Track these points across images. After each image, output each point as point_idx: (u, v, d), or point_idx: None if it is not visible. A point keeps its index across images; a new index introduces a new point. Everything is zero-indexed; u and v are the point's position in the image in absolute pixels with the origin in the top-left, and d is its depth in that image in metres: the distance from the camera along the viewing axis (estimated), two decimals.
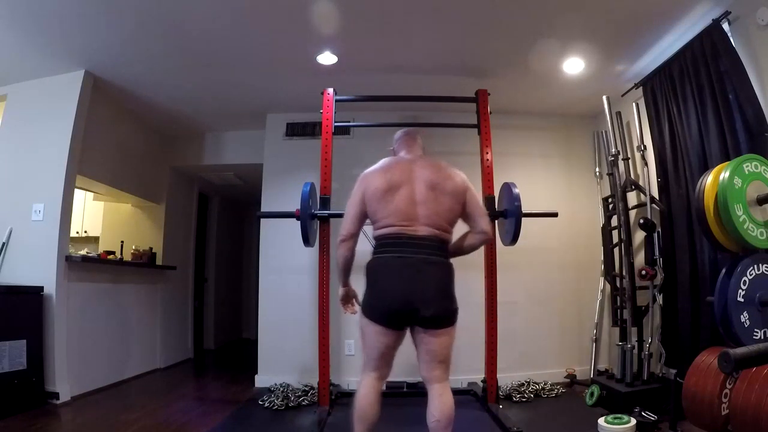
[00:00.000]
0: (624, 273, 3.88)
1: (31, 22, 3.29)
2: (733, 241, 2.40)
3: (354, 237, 2.28)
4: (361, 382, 2.18)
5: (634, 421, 2.91)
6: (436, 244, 2.14)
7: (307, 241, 3.37)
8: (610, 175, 4.24)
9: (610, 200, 4.40)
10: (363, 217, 2.27)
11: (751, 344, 1.51)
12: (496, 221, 3.72)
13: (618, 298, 4.11)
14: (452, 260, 2.27)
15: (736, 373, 2.32)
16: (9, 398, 3.23)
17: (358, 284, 2.31)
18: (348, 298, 2.41)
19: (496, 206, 3.69)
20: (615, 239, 4.27)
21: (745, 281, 2.26)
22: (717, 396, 2.37)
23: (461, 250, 2.31)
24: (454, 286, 2.18)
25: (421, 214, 2.15)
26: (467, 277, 4.24)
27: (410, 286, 2.06)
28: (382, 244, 2.18)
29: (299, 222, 3.32)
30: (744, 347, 1.42)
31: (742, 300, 2.24)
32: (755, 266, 2.30)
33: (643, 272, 3.66)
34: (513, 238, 3.40)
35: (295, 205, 3.36)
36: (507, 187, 3.51)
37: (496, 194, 3.73)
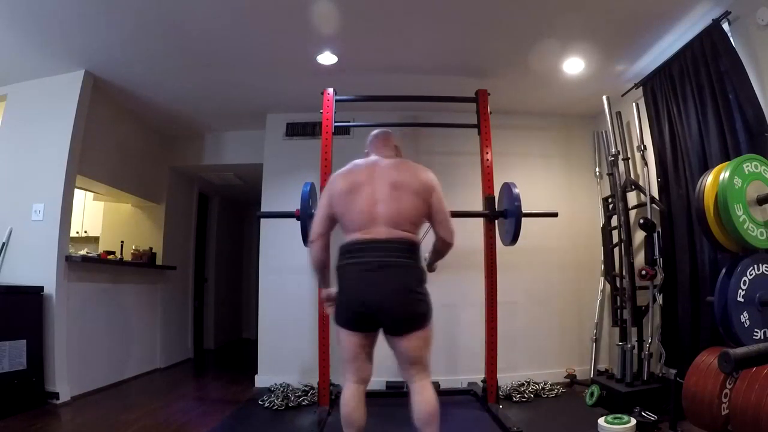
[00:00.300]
0: (624, 273, 3.88)
1: (31, 22, 3.29)
2: (733, 241, 2.40)
3: (321, 238, 2.26)
4: (343, 389, 2.20)
5: (634, 421, 2.91)
6: (396, 245, 2.08)
7: (307, 240, 3.37)
8: (610, 175, 4.24)
9: (610, 200, 4.40)
10: (331, 218, 2.26)
11: (751, 344, 1.51)
12: (496, 221, 3.73)
13: (618, 298, 4.11)
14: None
15: (736, 373, 2.33)
16: (9, 398, 3.23)
17: None
18: (329, 299, 2.30)
19: (496, 206, 3.69)
20: (615, 239, 4.27)
21: (745, 281, 2.26)
22: (717, 396, 2.37)
23: (436, 254, 2.40)
24: (423, 287, 2.13)
25: (381, 214, 2.11)
26: (467, 277, 4.29)
27: (368, 291, 2.04)
28: (346, 249, 2.15)
29: (299, 222, 3.32)
30: (744, 347, 1.42)
31: (742, 300, 2.24)
32: (755, 266, 2.30)
33: (643, 272, 3.66)
34: (513, 238, 3.40)
35: (295, 205, 3.36)
36: (507, 187, 3.51)
37: (496, 194, 3.73)
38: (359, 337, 2.12)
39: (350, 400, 2.14)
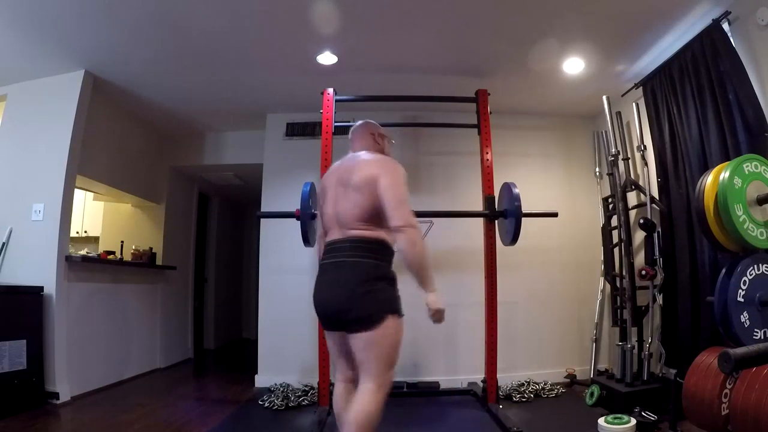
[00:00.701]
0: (624, 273, 3.88)
1: (31, 22, 3.29)
2: (733, 241, 2.40)
3: (318, 240, 2.32)
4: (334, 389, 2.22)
5: (634, 421, 2.91)
6: (349, 244, 2.02)
7: (307, 241, 3.37)
8: (610, 175, 4.24)
9: (610, 200, 4.40)
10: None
11: (751, 344, 1.51)
12: (496, 221, 3.73)
13: (618, 298, 4.11)
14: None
15: (736, 373, 2.33)
16: (9, 398, 3.23)
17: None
18: None
19: (496, 206, 3.69)
20: (615, 239, 4.27)
21: (745, 281, 2.26)
22: (717, 396, 2.36)
23: (408, 268, 2.00)
24: (372, 284, 1.96)
25: (333, 214, 2.11)
26: (467, 276, 4.29)
27: (321, 291, 2.06)
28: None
29: (299, 222, 3.32)
30: (744, 347, 1.42)
31: (742, 300, 2.24)
32: (755, 266, 2.30)
33: (643, 272, 3.66)
34: (513, 238, 3.40)
35: (295, 205, 3.36)
36: (507, 187, 3.51)
37: (496, 194, 3.73)
38: (335, 336, 2.11)
39: (338, 399, 2.14)
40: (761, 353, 1.39)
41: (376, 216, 2.02)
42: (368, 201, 2.02)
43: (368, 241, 2.02)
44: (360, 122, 2.41)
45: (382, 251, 2.05)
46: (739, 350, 1.38)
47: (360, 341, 1.95)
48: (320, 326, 3.56)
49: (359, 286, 1.95)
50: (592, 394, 3.66)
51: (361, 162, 2.15)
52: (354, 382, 2.09)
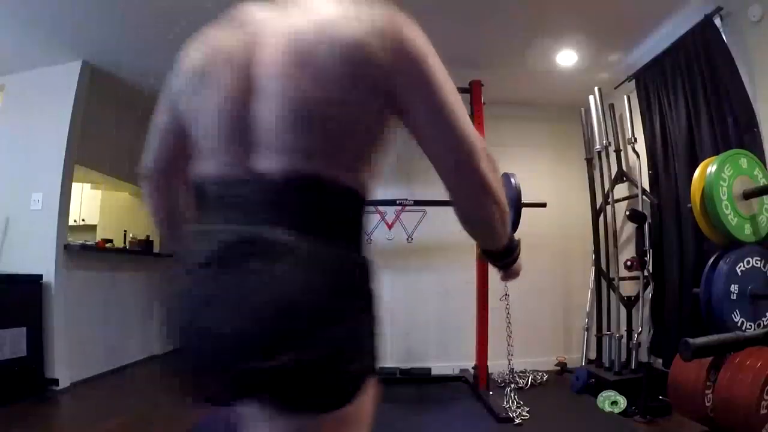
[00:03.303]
0: (614, 263, 3.94)
1: (29, 13, 3.29)
2: (719, 235, 2.45)
3: (159, 190, 1.14)
4: None
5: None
6: (288, 200, 0.80)
7: None
8: (602, 166, 4.28)
9: (601, 191, 4.44)
10: (175, 142, 1.07)
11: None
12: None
13: (608, 288, 4.17)
14: None
15: (720, 364, 2.39)
16: (9, 385, 3.28)
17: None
18: None
19: None
20: (606, 230, 4.32)
21: (730, 274, 2.32)
22: (702, 386, 2.42)
23: None
24: (350, 304, 0.86)
25: (242, 122, 0.64)
26: (459, 263, 4.32)
27: (205, 309, 1.00)
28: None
29: None
30: (705, 337, 1.49)
31: (727, 292, 2.30)
32: (740, 259, 2.36)
33: (629, 263, 3.73)
34: (512, 227, 3.44)
35: None
36: (506, 178, 3.52)
37: None
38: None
39: None
40: (720, 343, 1.46)
41: (355, 136, 0.84)
42: (356, 97, 0.81)
43: (337, 194, 0.83)
44: None
45: (354, 220, 0.87)
46: (699, 339, 1.45)
47: None
48: None
49: (321, 305, 0.76)
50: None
51: (338, 8, 0.84)
52: None
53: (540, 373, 4.23)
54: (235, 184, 0.81)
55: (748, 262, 2.36)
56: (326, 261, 0.77)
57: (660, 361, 3.60)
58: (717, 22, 3.07)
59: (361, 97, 0.81)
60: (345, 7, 0.83)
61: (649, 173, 3.84)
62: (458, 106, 0.86)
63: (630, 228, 4.00)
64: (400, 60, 0.83)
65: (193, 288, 0.79)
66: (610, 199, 4.09)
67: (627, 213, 3.82)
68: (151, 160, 1.04)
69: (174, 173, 1.04)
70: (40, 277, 3.64)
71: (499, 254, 1.08)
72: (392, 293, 4.14)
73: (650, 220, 3.78)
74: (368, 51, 0.79)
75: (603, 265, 4.32)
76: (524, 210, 3.61)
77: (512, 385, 3.58)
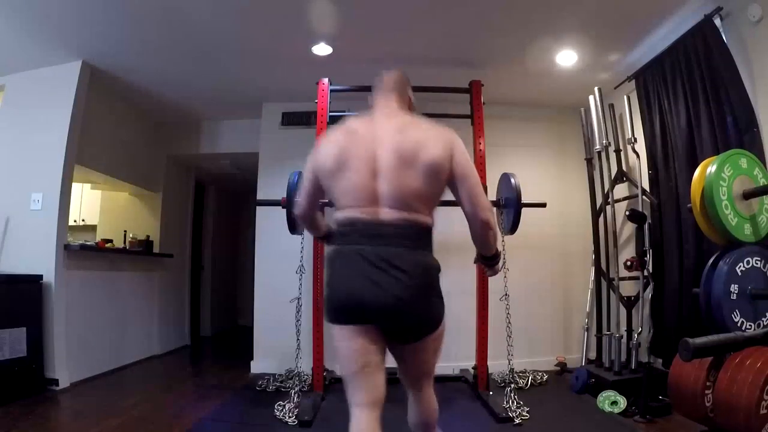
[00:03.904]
0: (614, 263, 3.94)
1: (28, 13, 3.30)
2: (719, 235, 2.45)
3: (306, 217, 1.92)
4: (351, 423, 1.59)
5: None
6: (407, 232, 1.59)
7: (293, 229, 3.39)
8: (602, 166, 4.28)
9: (601, 191, 4.44)
10: (317, 193, 1.80)
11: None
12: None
13: (608, 288, 4.18)
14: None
15: (720, 364, 2.39)
16: (9, 385, 3.29)
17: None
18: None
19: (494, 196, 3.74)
20: (606, 230, 4.32)
21: (730, 274, 2.32)
22: (701, 386, 2.42)
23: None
24: (438, 284, 1.66)
25: (377, 188, 1.59)
26: (460, 265, 4.31)
27: (365, 286, 1.53)
28: (339, 232, 1.66)
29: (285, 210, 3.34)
30: (704, 337, 1.49)
31: (727, 292, 2.30)
32: (740, 259, 2.35)
33: (628, 263, 3.73)
34: (512, 227, 3.43)
35: None
36: (506, 178, 3.51)
37: (492, 185, 3.77)
38: (364, 340, 1.59)
39: None
40: (720, 344, 1.46)
41: (432, 201, 1.68)
42: (434, 185, 1.63)
43: (428, 229, 1.67)
44: (394, 71, 1.92)
45: (431, 240, 1.70)
46: (699, 340, 1.45)
47: (430, 344, 1.68)
48: (315, 314, 3.63)
49: (429, 288, 1.61)
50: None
51: (424, 134, 1.64)
52: (380, 405, 1.62)
53: (540, 373, 4.24)
54: (373, 224, 1.59)
55: (748, 262, 2.36)
56: (426, 262, 1.64)
57: (660, 361, 3.60)
58: (717, 22, 3.07)
59: (435, 184, 1.63)
60: (427, 130, 1.68)
61: (649, 173, 3.84)
62: (476, 181, 1.68)
63: (630, 228, 4.00)
64: (454, 164, 1.65)
65: (371, 275, 1.54)
66: (610, 199, 4.09)
67: (627, 213, 3.82)
68: (303, 204, 1.87)
69: (312, 209, 1.91)
70: (40, 277, 3.64)
71: (489, 258, 1.90)
72: None
73: (650, 220, 3.78)
74: (441, 164, 1.62)
75: (603, 265, 4.32)
76: (524, 210, 3.60)
77: (512, 385, 3.57)
